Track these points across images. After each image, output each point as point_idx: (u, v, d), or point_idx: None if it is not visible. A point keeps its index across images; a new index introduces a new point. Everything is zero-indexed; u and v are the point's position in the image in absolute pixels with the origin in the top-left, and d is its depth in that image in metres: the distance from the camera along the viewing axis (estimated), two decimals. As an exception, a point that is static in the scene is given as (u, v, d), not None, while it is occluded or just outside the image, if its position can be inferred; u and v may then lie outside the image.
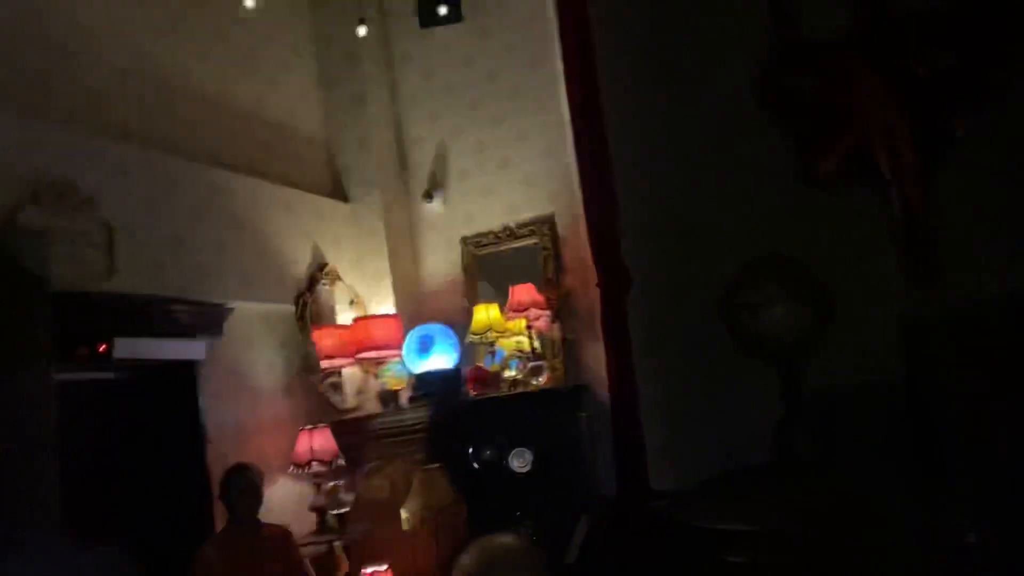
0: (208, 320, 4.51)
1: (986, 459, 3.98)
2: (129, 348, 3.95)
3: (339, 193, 5.98)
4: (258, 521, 4.00)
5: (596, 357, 5.30)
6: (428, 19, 6.01)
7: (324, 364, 5.25)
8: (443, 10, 5.62)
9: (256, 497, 3.98)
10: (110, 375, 4.10)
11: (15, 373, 2.32)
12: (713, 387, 5.39)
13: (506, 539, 4.52)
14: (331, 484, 4.75)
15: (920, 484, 4.27)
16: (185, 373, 4.34)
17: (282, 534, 4.07)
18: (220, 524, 4.14)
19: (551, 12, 5.40)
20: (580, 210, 5.24)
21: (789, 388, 4.96)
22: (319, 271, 5.51)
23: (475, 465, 5.15)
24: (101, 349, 3.82)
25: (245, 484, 3.95)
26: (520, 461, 5.07)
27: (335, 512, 4.69)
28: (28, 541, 2.14)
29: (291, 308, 5.27)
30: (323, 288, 5.53)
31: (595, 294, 5.12)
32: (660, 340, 5.36)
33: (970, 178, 4.67)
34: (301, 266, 5.40)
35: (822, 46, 5.08)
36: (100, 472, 4.01)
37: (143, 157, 4.35)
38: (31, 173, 3.67)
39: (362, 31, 5.07)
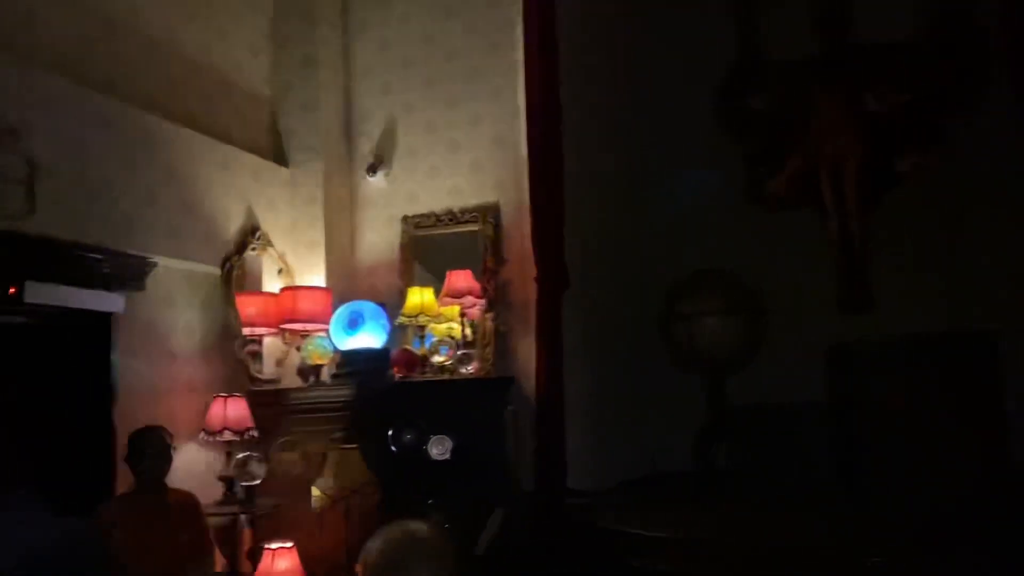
0: (129, 273, 4.30)
1: (902, 483, 4.08)
2: (41, 293, 3.73)
3: (279, 156, 5.77)
4: (165, 486, 3.82)
5: (527, 351, 5.26)
6: (391, -12, 5.85)
7: (245, 331, 5.07)
8: (408, -19, 5.47)
9: (165, 461, 3.80)
10: (18, 319, 3.85)
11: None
12: (640, 392, 5.42)
13: (417, 526, 4.44)
14: (242, 455, 4.58)
15: (835, 508, 4.38)
16: (100, 326, 4.12)
17: (190, 501, 3.90)
18: (121, 486, 3.94)
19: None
20: (526, 202, 5.16)
21: (715, 400, 5.04)
22: (250, 235, 5.32)
23: (393, 449, 5.04)
24: (11, 291, 3.59)
25: (155, 446, 3.76)
26: (439, 448, 4.98)
27: (244, 484, 4.53)
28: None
29: (217, 270, 5.06)
30: (252, 253, 5.34)
31: (532, 288, 5.07)
32: (592, 341, 5.37)
33: (909, 215, 4.81)
34: (231, 228, 5.20)
35: (782, 68, 5.15)
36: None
37: (76, 92, 4.09)
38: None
39: (322, -10, 4.90)
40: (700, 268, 5.30)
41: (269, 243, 5.45)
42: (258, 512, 4.57)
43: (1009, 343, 4.00)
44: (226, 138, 5.25)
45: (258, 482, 4.57)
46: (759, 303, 5.16)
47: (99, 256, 4.08)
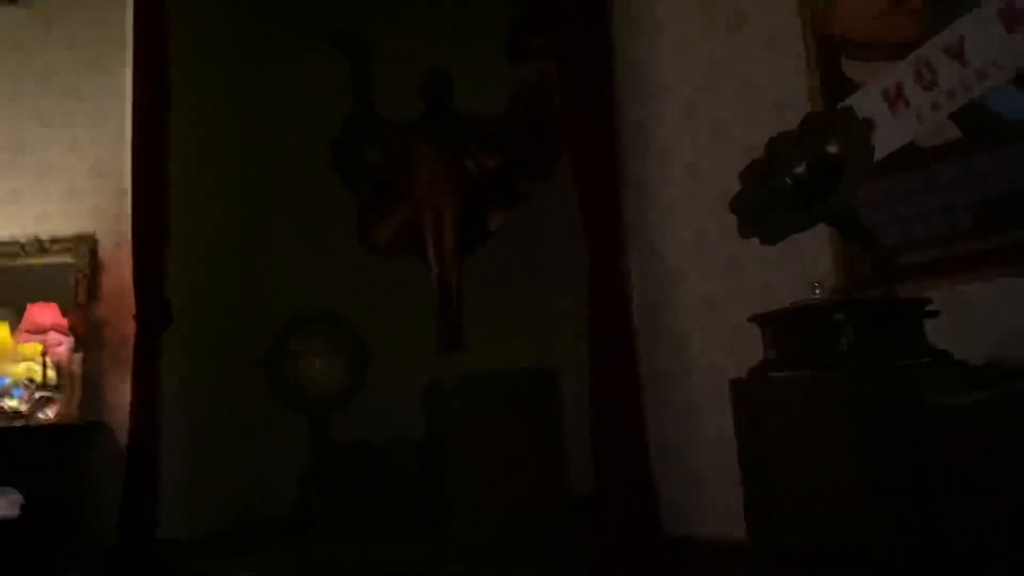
0: None
1: (483, 513, 4.45)
2: None
3: None
4: None
5: (121, 394, 4.88)
6: (-24, -11, 5.23)
7: None
8: (-4, -16, 4.93)
9: None
10: None
11: None
12: (244, 434, 5.31)
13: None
14: None
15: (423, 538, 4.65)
16: None
17: None
18: None
19: (128, 18, 5.03)
20: (127, 235, 4.86)
21: (318, 441, 5.10)
22: None
23: (-55, 508, 4.34)
24: None
25: None
26: (5, 505, 4.40)
27: None
28: None
29: None
30: None
31: (130, 327, 4.76)
32: (195, 382, 5.16)
33: (496, 267, 5.38)
34: None
35: (392, 125, 5.51)
36: None
37: None
38: None
39: None
40: (308, 309, 5.39)
41: None
42: None
43: (568, 380, 4.63)
44: None
45: None
46: (364, 344, 5.38)
47: None
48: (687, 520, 3.73)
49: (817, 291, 2.67)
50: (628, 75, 4.07)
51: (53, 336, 4.77)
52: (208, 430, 5.16)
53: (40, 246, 5.21)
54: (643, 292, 3.89)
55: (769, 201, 2.71)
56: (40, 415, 4.67)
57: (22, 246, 5.21)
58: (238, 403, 5.31)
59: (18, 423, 4.65)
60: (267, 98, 5.74)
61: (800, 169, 2.71)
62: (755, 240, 2.72)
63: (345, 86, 5.51)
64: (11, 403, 4.67)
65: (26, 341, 4.74)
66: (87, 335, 5.06)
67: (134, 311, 4.72)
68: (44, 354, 4.78)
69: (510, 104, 5.32)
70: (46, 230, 5.22)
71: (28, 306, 4.77)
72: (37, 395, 4.70)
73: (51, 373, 4.83)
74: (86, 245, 5.21)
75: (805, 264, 3.36)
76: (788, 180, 2.72)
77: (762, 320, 2.75)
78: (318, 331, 5.31)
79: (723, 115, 3.80)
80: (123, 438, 4.68)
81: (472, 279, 5.26)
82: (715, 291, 3.73)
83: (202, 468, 5.05)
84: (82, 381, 4.99)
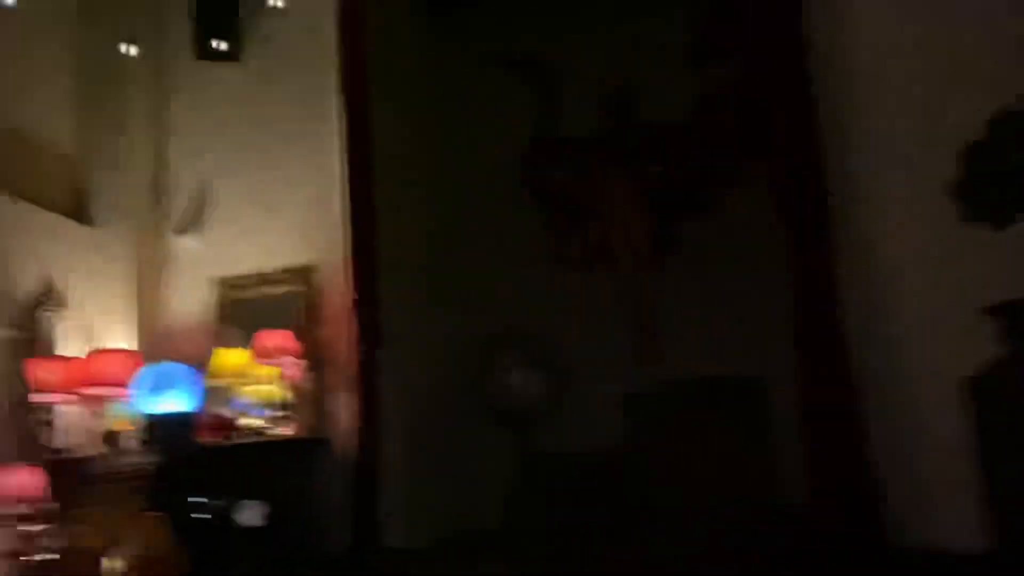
0: None
1: (691, 524, 4.37)
2: None
3: (84, 216, 5.57)
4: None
5: (346, 411, 5.26)
6: (205, 52, 5.85)
7: (39, 398, 4.78)
8: (222, 45, 5.51)
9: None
10: None
11: None
12: (455, 448, 5.53)
13: (226, 596, 4.29)
14: (34, 529, 4.27)
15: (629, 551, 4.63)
16: None
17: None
18: None
19: (335, 69, 5.47)
20: (342, 263, 5.26)
21: (524, 453, 5.24)
22: (44, 296, 5.05)
23: (201, 516, 4.85)
24: None
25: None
26: (250, 514, 4.86)
27: (37, 559, 4.21)
28: None
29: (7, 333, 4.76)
30: (46, 315, 5.06)
31: (348, 347, 5.12)
32: (410, 399, 5.46)
33: (692, 274, 5.31)
34: (21, 288, 4.92)
35: (576, 143, 5.60)
36: None
37: None
38: None
39: (131, 50, 4.87)
40: (509, 325, 5.56)
41: (65, 304, 5.19)
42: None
43: (774, 387, 4.45)
44: (20, 194, 5.01)
45: (54, 556, 4.26)
46: (563, 357, 5.48)
47: None
48: (918, 530, 3.49)
49: (1059, 277, 2.45)
50: (826, 65, 3.91)
51: (287, 360, 5.22)
52: (424, 444, 5.44)
53: (270, 277, 5.72)
54: (856, 290, 3.70)
55: (996, 183, 2.52)
56: (278, 432, 5.11)
57: (254, 278, 5.75)
58: (450, 415, 5.55)
59: (257, 439, 5.11)
60: (459, 123, 6.00)
61: (1030, 147, 2.50)
62: (979, 226, 2.53)
63: (532, 107, 5.67)
64: (252, 422, 5.15)
65: (263, 364, 5.22)
66: (314, 357, 5.50)
67: (352, 333, 5.07)
68: (281, 376, 5.24)
69: (697, 110, 5.26)
70: (274, 263, 5.73)
71: (258, 333, 5.23)
72: (275, 414, 5.15)
73: (286, 393, 5.28)
74: (309, 274, 5.67)
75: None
76: (1016, 160, 2.51)
77: (998, 311, 2.55)
78: (517, 347, 5.47)
79: (933, 97, 3.56)
80: (350, 451, 5.03)
81: (668, 288, 5.24)
82: (936, 284, 3.48)
83: (422, 479, 5.32)
84: (313, 400, 5.43)
